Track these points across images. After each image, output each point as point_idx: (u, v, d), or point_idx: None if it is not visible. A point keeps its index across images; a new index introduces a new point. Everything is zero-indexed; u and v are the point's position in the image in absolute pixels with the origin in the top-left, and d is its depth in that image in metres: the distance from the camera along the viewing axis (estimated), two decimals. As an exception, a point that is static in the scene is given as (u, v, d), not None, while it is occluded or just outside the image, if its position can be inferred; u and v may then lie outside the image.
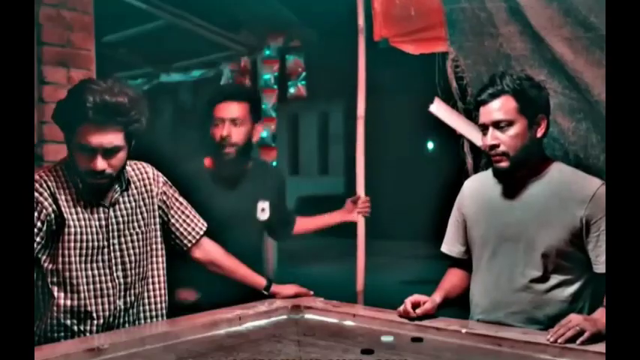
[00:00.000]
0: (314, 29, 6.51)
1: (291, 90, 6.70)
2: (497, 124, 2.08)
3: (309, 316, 2.30)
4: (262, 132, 2.81)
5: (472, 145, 2.94)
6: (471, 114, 2.93)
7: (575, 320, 1.86)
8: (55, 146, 3.23)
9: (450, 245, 2.34)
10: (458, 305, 2.29)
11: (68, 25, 3.32)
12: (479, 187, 2.26)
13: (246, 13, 6.22)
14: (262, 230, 2.93)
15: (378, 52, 3.25)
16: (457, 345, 1.95)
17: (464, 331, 1.99)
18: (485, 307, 2.18)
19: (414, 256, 8.09)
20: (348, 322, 2.21)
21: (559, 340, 1.82)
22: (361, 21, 3.17)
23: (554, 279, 2.08)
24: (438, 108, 2.93)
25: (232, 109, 2.64)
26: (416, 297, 2.15)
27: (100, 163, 1.97)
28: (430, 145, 12.12)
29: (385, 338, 1.99)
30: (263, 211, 2.79)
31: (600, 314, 1.90)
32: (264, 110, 6.83)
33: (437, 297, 2.18)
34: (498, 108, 2.07)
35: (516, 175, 2.13)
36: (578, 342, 1.81)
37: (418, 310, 2.11)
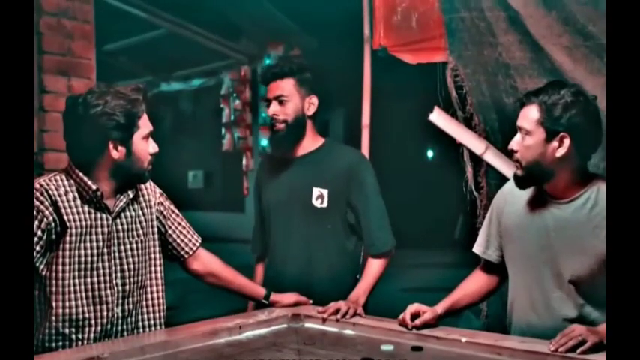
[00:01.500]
0: (314, 37, 6.53)
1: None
2: (520, 130, 2.02)
3: (309, 324, 2.30)
4: (316, 103, 2.60)
5: (472, 154, 2.95)
6: (470, 123, 2.94)
7: (578, 330, 1.84)
8: (56, 155, 3.24)
9: (484, 247, 2.26)
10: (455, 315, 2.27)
11: (69, 34, 3.34)
12: (518, 199, 2.14)
13: (246, 22, 6.24)
14: (339, 227, 2.62)
15: (377, 61, 3.26)
16: (457, 354, 1.95)
17: (464, 339, 1.99)
18: (522, 330, 2.12)
19: (415, 264, 8.09)
20: (348, 331, 2.21)
21: (560, 350, 1.81)
22: (367, 30, 3.19)
23: (590, 306, 2.01)
24: (438, 117, 2.94)
25: (276, 87, 2.58)
26: (416, 306, 2.13)
27: (155, 145, 2.14)
28: (430, 154, 12.12)
29: (385, 347, 1.99)
30: (319, 199, 2.57)
31: (604, 326, 1.86)
32: (265, 119, 6.85)
33: (439, 307, 2.15)
34: (523, 115, 2.01)
35: (549, 192, 2.05)
36: (578, 351, 1.80)
37: (417, 321, 2.09)
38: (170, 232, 2.27)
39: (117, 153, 2.04)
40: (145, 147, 2.09)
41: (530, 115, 1.98)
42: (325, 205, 2.57)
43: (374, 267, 2.57)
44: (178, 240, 2.29)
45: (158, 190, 2.28)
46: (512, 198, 2.16)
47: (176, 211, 2.32)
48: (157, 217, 2.24)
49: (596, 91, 2.48)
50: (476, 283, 2.28)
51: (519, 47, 2.68)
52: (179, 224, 2.30)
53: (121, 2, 5.36)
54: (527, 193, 2.11)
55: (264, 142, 6.80)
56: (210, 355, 1.96)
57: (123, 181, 2.11)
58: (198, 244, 2.33)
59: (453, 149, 2.96)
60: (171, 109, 11.46)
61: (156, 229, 2.23)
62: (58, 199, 2.02)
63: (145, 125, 2.09)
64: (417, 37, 3.02)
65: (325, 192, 2.57)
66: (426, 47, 2.99)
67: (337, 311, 2.27)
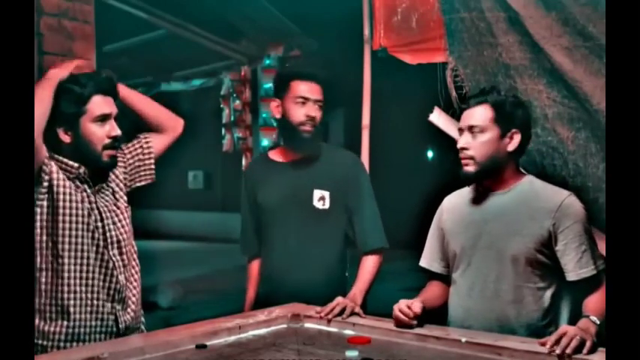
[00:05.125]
0: (314, 38, 6.53)
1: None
2: (471, 129, 2.18)
3: (308, 325, 2.30)
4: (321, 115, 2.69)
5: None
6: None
7: (573, 331, 1.86)
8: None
9: (430, 260, 2.39)
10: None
11: (69, 34, 3.34)
12: (456, 202, 2.34)
13: (247, 23, 6.25)
14: (337, 229, 2.65)
15: (377, 61, 3.27)
16: (457, 354, 1.95)
17: (464, 340, 1.99)
18: (459, 317, 2.22)
19: (415, 264, 8.09)
20: (348, 332, 2.21)
21: (567, 351, 1.80)
22: (367, 31, 3.19)
23: (525, 287, 2.13)
24: (438, 117, 2.94)
25: (317, 90, 2.63)
26: (405, 301, 2.15)
27: (117, 128, 2.17)
28: (430, 154, 12.13)
29: (350, 353, 1.93)
30: (321, 200, 2.61)
31: (584, 324, 1.92)
32: (265, 119, 6.85)
33: (420, 302, 2.18)
34: (475, 115, 2.19)
35: (484, 186, 2.23)
36: (584, 351, 1.80)
37: (413, 312, 2.10)
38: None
39: (67, 137, 2.12)
40: (96, 130, 2.12)
41: (483, 114, 2.17)
42: (327, 206, 2.60)
43: (368, 265, 2.60)
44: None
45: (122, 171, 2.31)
46: (449, 205, 2.36)
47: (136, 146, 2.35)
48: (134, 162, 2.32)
49: (596, 91, 2.49)
50: (436, 288, 2.35)
51: (519, 48, 2.69)
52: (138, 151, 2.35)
53: (122, 3, 5.37)
54: (462, 195, 2.31)
55: (264, 143, 6.80)
56: (210, 355, 1.96)
57: (84, 164, 2.14)
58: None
59: (453, 149, 2.96)
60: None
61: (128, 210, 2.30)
62: (52, 176, 2.10)
63: (96, 108, 2.12)
64: (417, 38, 3.02)
65: (327, 194, 2.61)
66: (425, 48, 2.99)
67: (342, 311, 2.29)
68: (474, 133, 2.17)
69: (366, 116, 3.23)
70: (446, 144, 3.04)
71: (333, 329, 2.23)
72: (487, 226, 2.19)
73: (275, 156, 2.75)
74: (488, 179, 2.22)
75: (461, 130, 2.22)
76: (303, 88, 2.61)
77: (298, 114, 2.60)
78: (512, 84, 2.68)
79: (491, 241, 2.18)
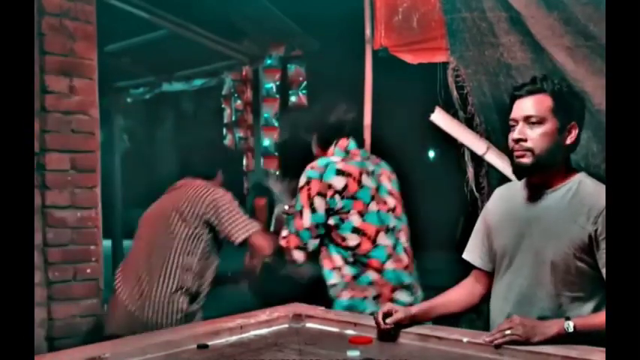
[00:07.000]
0: (315, 38, 6.53)
1: (292, 99, 6.72)
2: (527, 119, 2.01)
3: (310, 325, 2.30)
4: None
5: (473, 154, 2.94)
6: (471, 123, 2.94)
7: (513, 322, 1.90)
8: (57, 155, 3.24)
9: (472, 253, 2.27)
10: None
11: (71, 34, 3.34)
12: (505, 197, 2.19)
13: (248, 23, 6.24)
14: None
15: (378, 61, 3.27)
16: (459, 354, 1.95)
17: (465, 340, 1.99)
18: (497, 320, 2.12)
19: (416, 264, 8.09)
20: (350, 332, 2.21)
21: (494, 343, 1.89)
22: (368, 31, 3.20)
23: (563, 296, 2.00)
24: (439, 117, 2.94)
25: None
26: (389, 306, 2.14)
27: None
28: (431, 154, 12.11)
29: (351, 353, 1.93)
30: None
31: (551, 324, 1.89)
32: (266, 119, 6.85)
33: (414, 309, 2.16)
34: (533, 104, 2.01)
35: (534, 182, 2.08)
36: (495, 343, 1.89)
37: (388, 320, 2.09)
38: None
39: None
40: None
41: (543, 104, 1.99)
42: None
43: None
44: None
45: None
46: (497, 198, 2.22)
47: None
48: None
49: (597, 91, 2.49)
50: (457, 292, 2.27)
51: (521, 48, 2.69)
52: None
53: (123, 3, 5.36)
54: (511, 190, 2.16)
55: (266, 142, 6.81)
56: (211, 355, 1.96)
57: None
58: None
59: (454, 149, 2.96)
60: (173, 109, 11.46)
61: None
62: None
63: None
64: (418, 38, 3.02)
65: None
66: (427, 47, 2.99)
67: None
68: (531, 124, 2.00)
69: (368, 116, 3.24)
70: (447, 144, 3.04)
71: (334, 329, 2.23)
72: (530, 227, 2.06)
73: None
74: (541, 175, 2.05)
75: (514, 122, 2.04)
76: None
77: None
78: (514, 84, 2.68)
79: (532, 244, 2.05)
